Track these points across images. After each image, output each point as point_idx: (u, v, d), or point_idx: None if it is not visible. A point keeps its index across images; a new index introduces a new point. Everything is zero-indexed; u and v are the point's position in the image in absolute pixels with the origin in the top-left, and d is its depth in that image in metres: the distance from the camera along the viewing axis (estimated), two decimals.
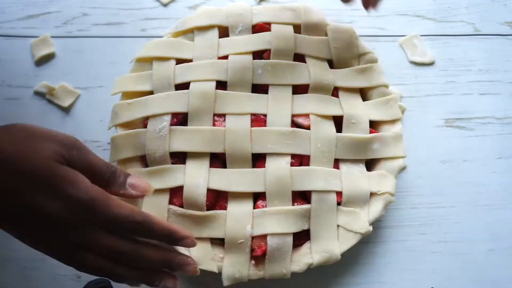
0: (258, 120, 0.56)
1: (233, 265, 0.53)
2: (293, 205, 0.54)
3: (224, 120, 0.55)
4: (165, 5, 0.67)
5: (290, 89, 0.57)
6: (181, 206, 0.54)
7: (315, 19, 0.60)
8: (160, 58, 0.58)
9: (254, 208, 0.54)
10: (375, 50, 0.66)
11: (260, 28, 0.60)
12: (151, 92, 0.58)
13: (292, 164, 0.54)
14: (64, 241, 0.43)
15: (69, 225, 0.42)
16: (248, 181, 0.54)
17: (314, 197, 0.54)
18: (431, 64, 0.66)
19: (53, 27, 0.66)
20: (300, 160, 0.55)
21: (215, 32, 0.59)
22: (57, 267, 0.58)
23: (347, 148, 0.55)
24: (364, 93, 0.60)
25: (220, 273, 0.53)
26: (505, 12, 0.69)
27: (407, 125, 0.64)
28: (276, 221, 0.53)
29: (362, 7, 0.68)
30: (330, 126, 0.56)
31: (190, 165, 0.54)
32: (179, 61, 0.59)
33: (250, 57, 0.57)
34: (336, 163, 0.55)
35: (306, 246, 0.54)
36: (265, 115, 0.56)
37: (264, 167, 0.54)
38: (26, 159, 0.41)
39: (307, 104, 0.56)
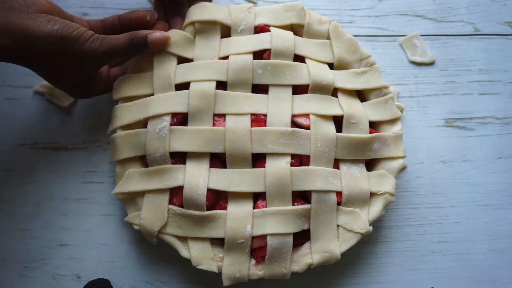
0: (258, 120, 0.56)
1: (233, 265, 0.53)
2: (293, 205, 0.54)
3: (224, 120, 0.55)
4: None
5: (290, 89, 0.57)
6: (181, 206, 0.54)
7: (316, 21, 0.60)
8: (161, 56, 0.58)
9: (254, 208, 0.54)
10: (375, 50, 0.66)
11: (261, 29, 0.60)
12: (151, 94, 0.58)
13: (292, 164, 0.54)
14: None
15: None
16: (248, 181, 0.54)
17: (314, 197, 0.54)
18: (431, 64, 0.66)
19: None
20: (300, 160, 0.55)
21: (217, 33, 0.59)
22: (57, 267, 0.58)
23: (347, 148, 0.55)
24: (363, 95, 0.60)
25: (220, 273, 0.53)
26: (505, 12, 0.69)
27: (407, 125, 0.64)
28: (276, 221, 0.53)
29: (362, 7, 0.68)
30: (330, 126, 0.56)
31: (190, 165, 0.54)
32: (180, 60, 0.59)
33: (250, 57, 0.57)
34: (336, 163, 0.56)
35: (306, 246, 0.54)
36: (265, 115, 0.56)
37: (264, 167, 0.54)
38: None
39: (307, 104, 0.56)
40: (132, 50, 0.56)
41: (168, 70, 0.57)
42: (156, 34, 0.56)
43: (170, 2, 0.61)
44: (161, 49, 0.57)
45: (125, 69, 0.60)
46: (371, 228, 0.54)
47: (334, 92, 0.58)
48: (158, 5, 0.62)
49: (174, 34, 0.59)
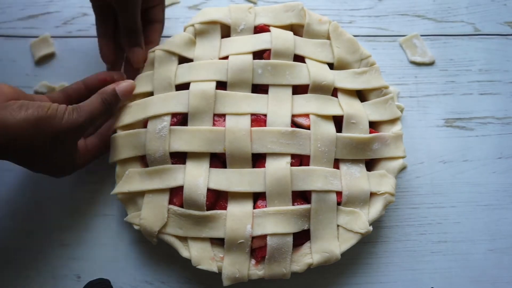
0: (258, 120, 0.56)
1: (233, 265, 0.53)
2: (293, 205, 0.54)
3: (224, 120, 0.55)
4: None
5: (290, 89, 0.57)
6: (181, 206, 0.54)
7: (316, 20, 0.60)
8: (163, 56, 0.58)
9: (254, 208, 0.54)
10: (375, 50, 0.66)
11: (261, 29, 0.60)
12: (151, 93, 0.58)
13: (292, 164, 0.54)
14: None
15: None
16: (248, 181, 0.54)
17: (314, 197, 0.54)
18: (431, 64, 0.66)
19: (53, 27, 0.66)
20: (300, 160, 0.55)
21: (217, 33, 0.59)
22: (57, 267, 0.58)
23: (347, 148, 0.55)
24: (363, 95, 0.60)
25: (220, 273, 0.53)
26: (505, 12, 0.69)
27: (407, 125, 0.64)
28: (276, 221, 0.53)
29: (362, 7, 0.68)
30: (330, 126, 0.56)
31: (190, 165, 0.54)
32: (181, 61, 0.59)
33: (250, 57, 0.57)
34: (336, 163, 0.55)
35: (306, 246, 0.54)
36: (265, 115, 0.56)
37: (264, 167, 0.54)
38: None
39: (307, 104, 0.56)
40: (107, 110, 0.54)
41: (169, 71, 0.57)
42: (123, 85, 0.56)
43: (127, 32, 0.58)
44: (130, 97, 0.57)
45: (102, 137, 0.58)
46: (371, 228, 0.54)
47: (334, 92, 0.58)
48: (102, 24, 0.59)
49: (176, 36, 0.59)
